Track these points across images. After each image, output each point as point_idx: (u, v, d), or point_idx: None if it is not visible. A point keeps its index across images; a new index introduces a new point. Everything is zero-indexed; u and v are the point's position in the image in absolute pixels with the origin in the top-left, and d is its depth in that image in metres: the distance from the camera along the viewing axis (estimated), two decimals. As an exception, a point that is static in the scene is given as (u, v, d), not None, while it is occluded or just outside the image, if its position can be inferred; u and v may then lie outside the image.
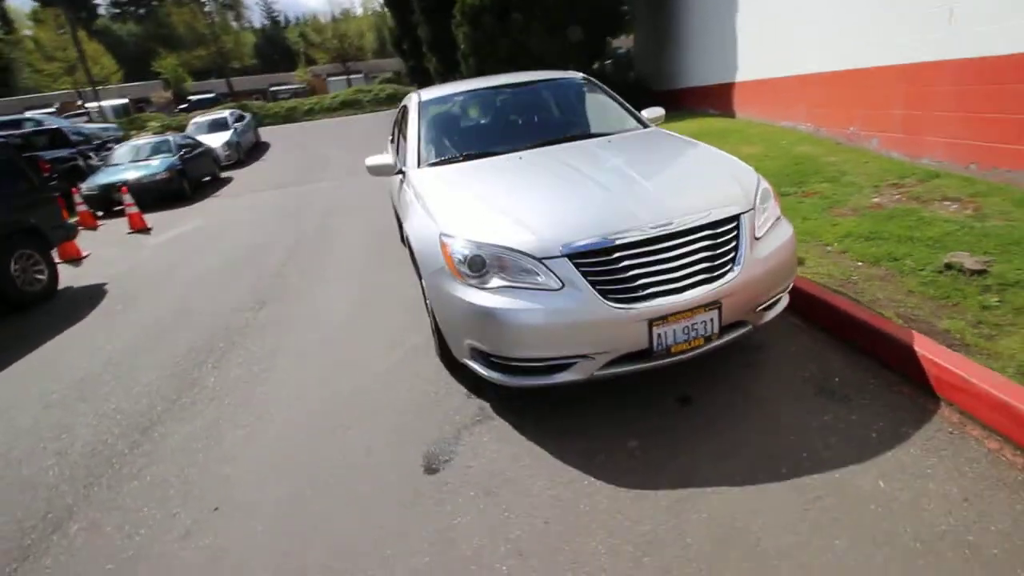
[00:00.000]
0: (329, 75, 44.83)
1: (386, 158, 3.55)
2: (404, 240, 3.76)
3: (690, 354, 2.30)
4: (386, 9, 23.00)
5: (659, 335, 2.21)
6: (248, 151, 17.69)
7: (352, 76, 44.85)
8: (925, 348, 2.39)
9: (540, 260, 2.23)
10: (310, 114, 35.49)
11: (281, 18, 69.26)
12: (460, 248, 2.37)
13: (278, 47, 59.21)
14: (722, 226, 2.35)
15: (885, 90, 5.27)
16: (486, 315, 2.25)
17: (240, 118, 18.18)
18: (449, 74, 15.03)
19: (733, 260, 2.33)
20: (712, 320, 2.28)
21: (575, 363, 2.26)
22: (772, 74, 7.33)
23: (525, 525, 1.93)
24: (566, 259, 2.22)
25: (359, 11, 58.10)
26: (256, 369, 3.44)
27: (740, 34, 8.23)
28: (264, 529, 2.10)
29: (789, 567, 1.65)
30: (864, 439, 2.13)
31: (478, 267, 2.31)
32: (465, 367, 2.59)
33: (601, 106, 3.86)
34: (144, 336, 4.24)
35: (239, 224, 8.15)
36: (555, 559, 1.78)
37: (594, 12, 11.36)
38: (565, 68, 4.69)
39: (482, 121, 3.87)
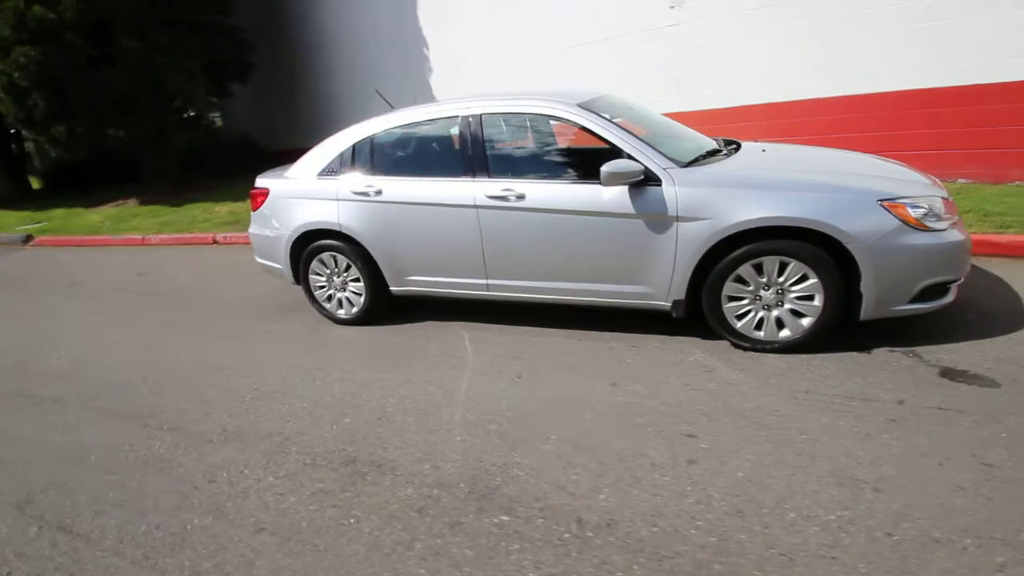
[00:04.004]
0: None
1: (628, 164, 3.05)
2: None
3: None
4: None
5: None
6: None
7: None
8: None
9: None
10: None
11: None
12: (920, 204, 2.90)
13: None
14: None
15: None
16: (960, 247, 2.90)
17: None
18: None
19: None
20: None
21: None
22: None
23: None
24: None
25: None
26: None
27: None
28: None
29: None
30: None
31: (935, 216, 2.88)
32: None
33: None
34: None
35: None
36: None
37: (233, 47, 9.82)
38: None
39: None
